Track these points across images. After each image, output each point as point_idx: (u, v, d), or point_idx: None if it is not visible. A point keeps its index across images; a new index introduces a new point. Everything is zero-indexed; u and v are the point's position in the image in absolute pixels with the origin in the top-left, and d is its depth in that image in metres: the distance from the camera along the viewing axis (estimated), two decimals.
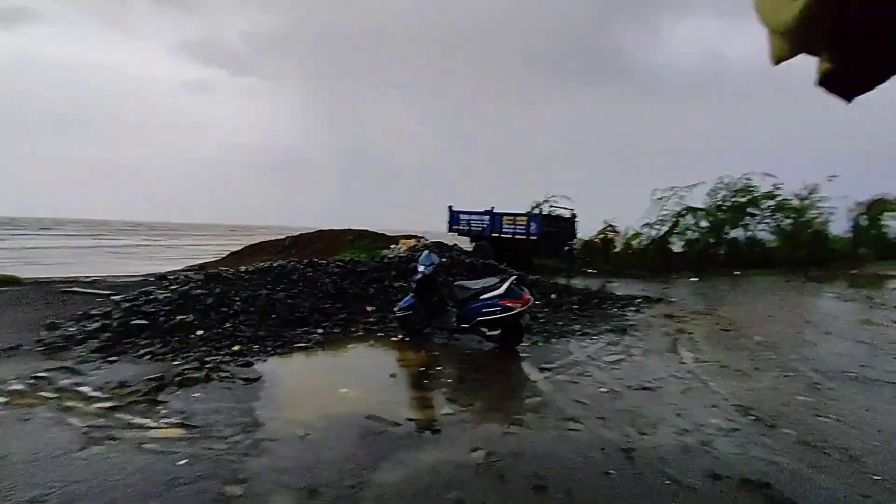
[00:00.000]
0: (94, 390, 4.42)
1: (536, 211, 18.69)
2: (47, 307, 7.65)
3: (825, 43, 1.08)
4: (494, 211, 17.45)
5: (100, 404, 4.12)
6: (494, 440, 3.77)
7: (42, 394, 4.32)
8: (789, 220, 21.50)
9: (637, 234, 20.60)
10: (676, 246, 20.47)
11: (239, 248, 19.76)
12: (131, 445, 3.43)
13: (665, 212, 20.39)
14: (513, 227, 16.93)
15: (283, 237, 20.59)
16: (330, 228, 20.97)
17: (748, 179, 20.83)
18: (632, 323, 8.39)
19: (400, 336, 6.85)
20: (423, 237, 9.10)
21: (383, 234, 19.57)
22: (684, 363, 6.04)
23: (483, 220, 17.63)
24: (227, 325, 6.63)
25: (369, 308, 8.14)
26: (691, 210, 20.39)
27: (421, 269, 6.77)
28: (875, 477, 3.32)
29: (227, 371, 5.08)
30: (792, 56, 1.06)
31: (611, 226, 20.48)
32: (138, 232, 66.01)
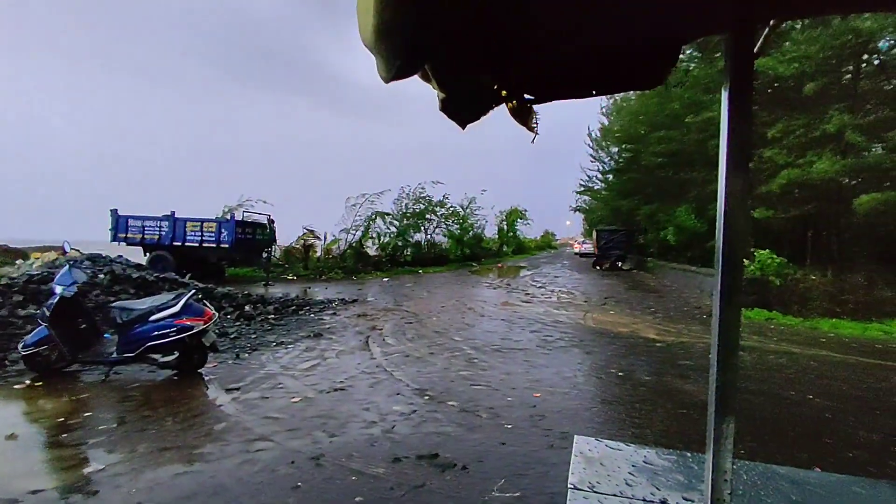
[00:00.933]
0: None
1: (229, 216, 17.22)
2: None
3: (425, 73, 1.14)
4: (176, 216, 15.20)
5: None
6: (163, 487, 3.15)
7: None
8: (457, 226, 26.72)
9: (336, 239, 21.45)
10: (371, 249, 22.30)
11: None
12: None
13: (359, 217, 21.91)
14: (199, 234, 15.06)
15: None
16: None
17: (422, 189, 24.52)
18: (328, 326, 8.52)
19: (28, 381, 5.16)
20: (67, 248, 7.06)
21: (6, 247, 14.59)
22: (374, 358, 6.43)
23: (160, 227, 15.11)
24: None
25: None
26: (381, 214, 22.53)
27: (58, 290, 5.26)
28: (508, 426, 4.17)
29: None
30: (400, 76, 1.05)
31: (311, 231, 20.65)
32: None
